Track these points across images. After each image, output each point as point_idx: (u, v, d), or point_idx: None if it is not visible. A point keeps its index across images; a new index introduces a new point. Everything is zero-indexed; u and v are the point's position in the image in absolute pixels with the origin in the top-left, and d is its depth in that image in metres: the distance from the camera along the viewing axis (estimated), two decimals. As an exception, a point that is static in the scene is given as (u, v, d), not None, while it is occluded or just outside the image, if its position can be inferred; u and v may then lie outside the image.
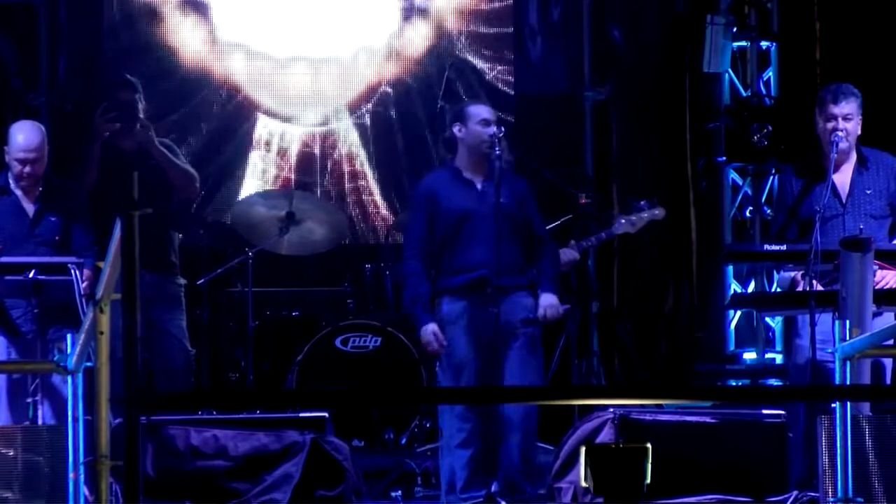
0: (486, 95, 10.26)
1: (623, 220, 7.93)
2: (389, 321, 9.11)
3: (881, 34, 10.12)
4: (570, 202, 9.33)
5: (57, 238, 7.76)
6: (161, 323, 8.27)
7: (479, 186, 7.49)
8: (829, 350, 6.24)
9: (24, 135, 7.75)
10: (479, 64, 10.48)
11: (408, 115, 10.44)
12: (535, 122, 10.31)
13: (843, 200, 7.45)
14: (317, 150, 10.49)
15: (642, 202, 8.03)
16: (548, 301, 7.44)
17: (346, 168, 10.47)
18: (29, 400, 7.50)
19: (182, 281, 8.53)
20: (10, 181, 7.80)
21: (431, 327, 7.39)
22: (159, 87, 10.10)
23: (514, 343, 7.41)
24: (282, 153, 10.48)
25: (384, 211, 10.34)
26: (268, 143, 10.48)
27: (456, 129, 7.49)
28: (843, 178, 7.50)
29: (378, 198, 10.45)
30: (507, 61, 10.50)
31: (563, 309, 7.52)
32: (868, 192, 7.49)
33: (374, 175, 10.46)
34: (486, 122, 7.48)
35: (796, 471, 7.24)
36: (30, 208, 7.81)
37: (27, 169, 7.72)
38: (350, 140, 10.49)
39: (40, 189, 7.80)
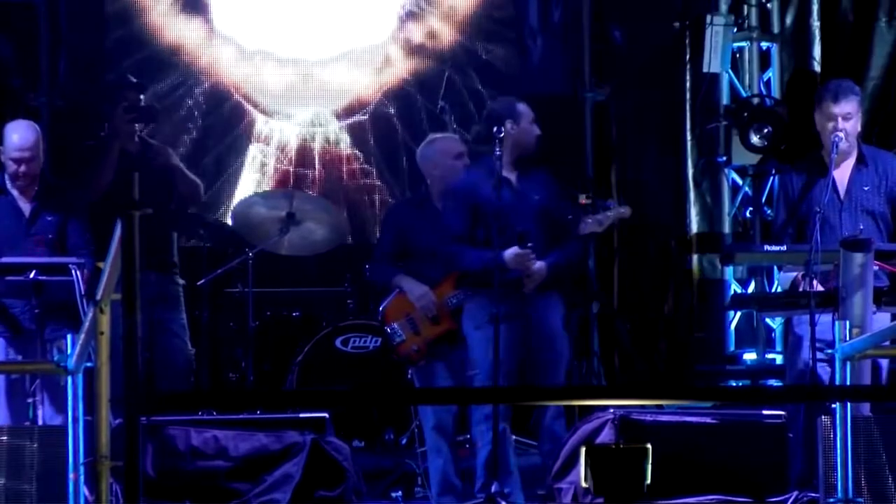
0: (486, 96, 10.27)
1: (590, 220, 7.92)
2: (389, 321, 9.10)
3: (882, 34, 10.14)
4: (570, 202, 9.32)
5: (54, 237, 7.76)
6: (163, 322, 8.28)
7: (515, 184, 7.52)
8: (829, 351, 6.23)
9: (19, 134, 7.75)
10: (480, 64, 10.48)
11: (408, 115, 10.44)
12: (536, 123, 10.30)
13: (842, 197, 7.47)
14: (316, 151, 10.49)
15: (609, 201, 8.05)
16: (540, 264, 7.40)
17: (346, 168, 10.47)
18: (29, 400, 7.51)
19: (181, 281, 8.54)
20: (7, 181, 7.80)
21: (509, 251, 7.33)
22: (158, 87, 10.12)
23: (545, 346, 7.42)
24: (281, 153, 10.48)
25: (385, 211, 10.34)
26: (267, 144, 10.48)
27: (509, 126, 7.51)
28: (842, 174, 7.51)
29: (378, 198, 10.45)
30: (508, 62, 10.50)
31: (529, 261, 7.40)
32: (866, 188, 7.50)
33: (374, 175, 10.47)
34: (535, 121, 7.59)
35: (796, 471, 7.24)
36: (26, 207, 7.81)
37: (22, 168, 7.72)
38: (350, 140, 10.50)
39: (36, 188, 7.81)
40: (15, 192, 7.81)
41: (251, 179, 10.41)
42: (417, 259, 7.86)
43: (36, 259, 7.37)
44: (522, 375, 7.39)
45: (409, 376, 8.20)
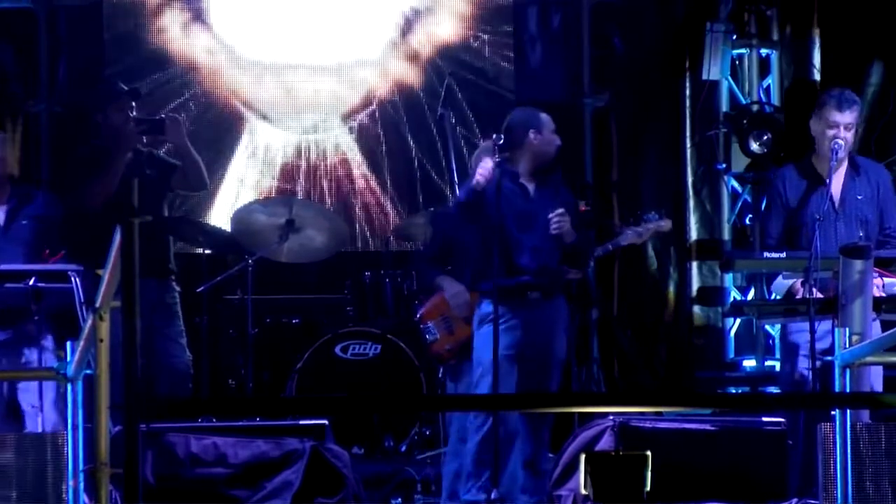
0: (487, 102, 10.28)
1: (630, 232, 7.95)
2: (389, 328, 9.10)
3: (881, 41, 10.15)
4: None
5: (31, 240, 7.80)
6: (162, 328, 8.28)
7: (531, 192, 7.62)
8: (829, 357, 6.23)
9: None
10: (479, 71, 10.48)
11: (407, 123, 10.44)
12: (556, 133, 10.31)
13: (836, 206, 7.48)
14: (316, 158, 10.49)
15: (651, 213, 8.05)
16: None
17: (345, 175, 10.47)
18: (31, 406, 7.50)
19: (178, 288, 8.55)
20: None
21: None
22: (157, 92, 10.12)
23: (543, 350, 7.49)
24: (280, 160, 10.48)
25: (384, 218, 10.34)
26: (267, 151, 10.49)
27: (532, 136, 7.60)
28: (835, 183, 7.52)
29: (378, 205, 10.45)
30: (508, 68, 10.50)
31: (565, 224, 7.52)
32: (859, 197, 7.52)
33: (374, 182, 10.47)
34: (555, 131, 7.68)
35: (796, 478, 7.24)
36: None
37: None
38: (350, 147, 10.50)
39: (8, 193, 7.88)
40: None
41: (249, 185, 10.41)
42: (461, 262, 7.85)
43: (36, 266, 7.37)
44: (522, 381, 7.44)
45: (441, 375, 8.20)
